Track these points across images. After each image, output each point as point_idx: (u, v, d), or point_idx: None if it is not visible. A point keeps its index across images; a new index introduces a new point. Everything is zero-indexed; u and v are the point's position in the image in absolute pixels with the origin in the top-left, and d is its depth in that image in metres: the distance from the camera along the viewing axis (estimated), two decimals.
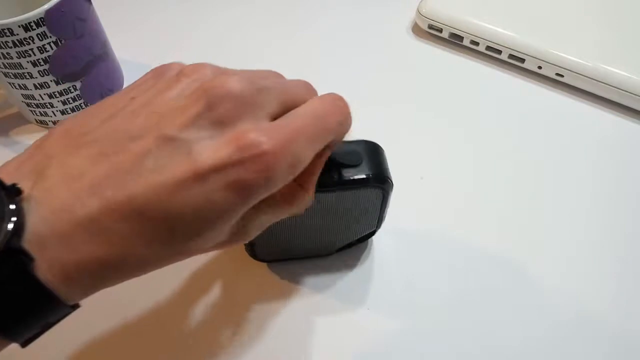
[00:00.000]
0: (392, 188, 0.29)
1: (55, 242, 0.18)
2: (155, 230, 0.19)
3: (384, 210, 0.31)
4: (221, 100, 0.20)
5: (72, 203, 0.19)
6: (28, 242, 0.18)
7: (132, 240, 0.19)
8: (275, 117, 0.22)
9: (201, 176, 0.19)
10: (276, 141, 0.20)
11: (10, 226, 0.18)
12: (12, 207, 0.18)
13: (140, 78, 0.24)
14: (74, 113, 0.23)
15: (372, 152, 0.28)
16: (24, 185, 0.19)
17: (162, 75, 0.23)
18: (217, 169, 0.19)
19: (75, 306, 0.20)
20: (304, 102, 0.24)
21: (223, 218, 0.21)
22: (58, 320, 0.20)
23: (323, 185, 0.26)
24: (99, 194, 0.19)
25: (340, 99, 0.24)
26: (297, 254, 0.34)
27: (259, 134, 0.20)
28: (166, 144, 0.19)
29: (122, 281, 0.21)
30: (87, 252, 0.19)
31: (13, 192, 0.18)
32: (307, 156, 0.22)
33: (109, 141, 0.20)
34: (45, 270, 0.18)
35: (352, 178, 0.27)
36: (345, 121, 0.24)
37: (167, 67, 0.24)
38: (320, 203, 0.28)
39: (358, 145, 0.28)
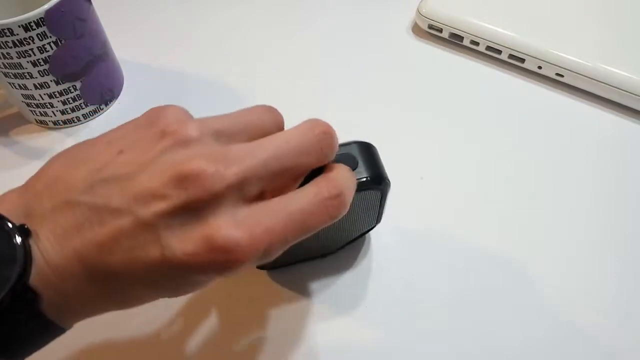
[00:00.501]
0: (389, 187, 0.29)
1: (52, 282, 0.20)
2: (129, 292, 0.22)
3: (382, 208, 0.31)
4: (196, 191, 0.20)
5: (62, 265, 0.20)
6: (34, 280, 0.20)
7: (110, 295, 0.22)
8: (258, 194, 0.22)
9: (168, 268, 0.20)
10: (249, 240, 0.20)
11: (20, 266, 0.19)
12: (21, 248, 0.20)
13: (133, 121, 0.23)
14: (63, 150, 0.23)
15: (367, 153, 0.28)
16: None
17: (151, 127, 0.22)
18: (185, 265, 0.20)
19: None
20: (301, 170, 0.23)
21: (193, 290, 0.23)
22: (52, 340, 0.22)
23: None
24: (83, 262, 0.20)
25: (336, 197, 0.23)
26: (298, 259, 0.34)
27: (232, 230, 0.20)
28: (140, 228, 0.20)
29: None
30: (74, 300, 0.21)
31: (24, 233, 0.20)
32: (284, 248, 0.22)
33: (92, 208, 0.21)
34: (46, 304, 0.20)
35: None
36: (332, 220, 0.23)
37: (157, 116, 0.23)
38: None
39: (351, 148, 0.28)
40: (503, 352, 0.31)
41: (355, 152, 0.28)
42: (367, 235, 0.35)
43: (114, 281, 0.21)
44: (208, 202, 0.20)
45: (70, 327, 0.22)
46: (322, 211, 0.22)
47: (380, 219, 0.32)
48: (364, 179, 0.27)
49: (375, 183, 0.28)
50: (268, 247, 0.21)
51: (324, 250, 0.34)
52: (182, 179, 0.20)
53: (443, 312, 0.33)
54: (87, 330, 0.29)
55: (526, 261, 0.34)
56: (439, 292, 0.33)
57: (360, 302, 0.33)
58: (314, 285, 0.34)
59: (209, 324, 0.32)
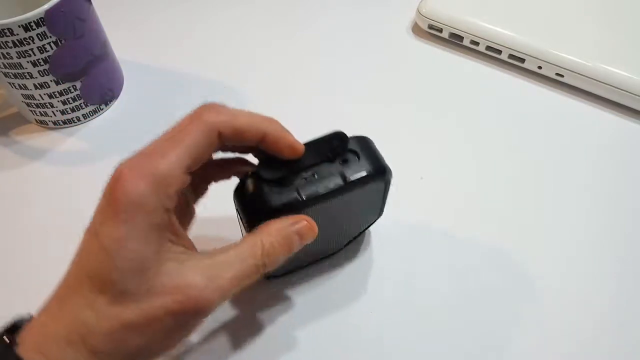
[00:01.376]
0: (392, 175, 0.29)
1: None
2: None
3: (385, 199, 0.31)
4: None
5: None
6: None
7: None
8: None
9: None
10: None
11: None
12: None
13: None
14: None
15: (364, 146, 0.28)
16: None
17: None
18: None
19: None
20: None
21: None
22: None
23: (327, 195, 0.26)
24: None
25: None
26: (303, 263, 0.34)
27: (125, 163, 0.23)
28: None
29: None
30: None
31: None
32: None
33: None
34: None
35: (354, 179, 0.27)
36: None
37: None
38: (326, 212, 0.28)
39: (350, 143, 0.28)
40: (503, 352, 0.31)
41: (355, 146, 0.28)
42: (367, 235, 0.35)
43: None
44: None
45: None
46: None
47: (382, 211, 0.32)
48: (367, 173, 0.27)
49: (380, 173, 0.28)
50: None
51: (330, 250, 0.34)
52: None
53: (443, 312, 0.33)
54: None
55: (526, 261, 0.34)
56: (438, 292, 0.33)
57: (359, 302, 0.33)
58: (314, 286, 0.34)
59: (208, 322, 0.32)
